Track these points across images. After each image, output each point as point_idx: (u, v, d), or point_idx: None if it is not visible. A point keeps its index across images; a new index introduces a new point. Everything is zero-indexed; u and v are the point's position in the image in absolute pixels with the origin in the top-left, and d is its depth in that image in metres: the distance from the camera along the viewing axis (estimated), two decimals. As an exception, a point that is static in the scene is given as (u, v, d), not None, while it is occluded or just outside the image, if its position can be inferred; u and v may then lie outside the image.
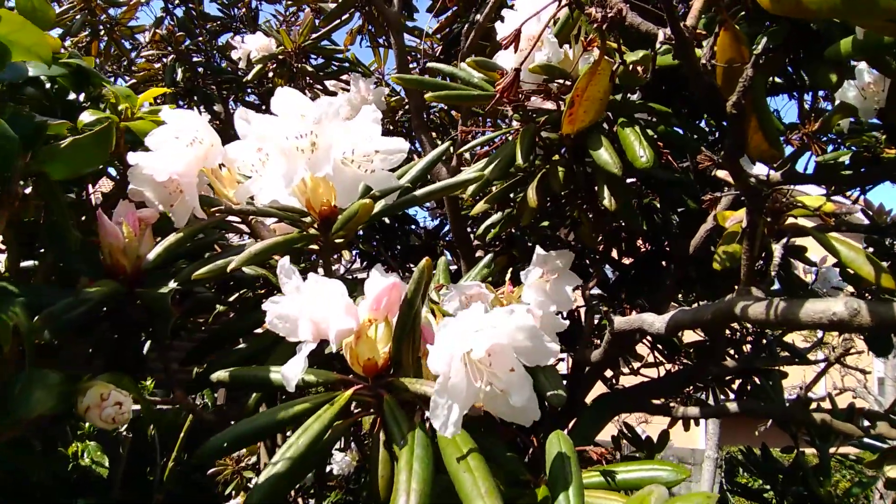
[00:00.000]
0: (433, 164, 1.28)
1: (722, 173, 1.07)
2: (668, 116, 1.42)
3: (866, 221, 2.16)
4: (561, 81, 1.39)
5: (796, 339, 3.66)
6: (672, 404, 2.12)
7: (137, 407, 1.07)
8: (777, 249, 1.03)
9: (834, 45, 1.16)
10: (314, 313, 0.92)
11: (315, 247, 1.18)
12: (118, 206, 1.20)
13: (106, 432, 2.45)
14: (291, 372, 0.90)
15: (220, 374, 1.04)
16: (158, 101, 1.56)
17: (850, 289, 2.35)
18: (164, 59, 3.51)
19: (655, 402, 2.16)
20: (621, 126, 1.32)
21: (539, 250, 1.32)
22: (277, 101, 1.02)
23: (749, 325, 2.91)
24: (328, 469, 3.01)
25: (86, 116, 1.20)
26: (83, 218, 1.29)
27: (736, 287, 1.03)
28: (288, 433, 0.92)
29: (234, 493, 2.87)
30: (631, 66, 1.21)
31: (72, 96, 1.33)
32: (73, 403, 0.96)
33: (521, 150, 1.38)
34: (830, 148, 2.04)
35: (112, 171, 1.42)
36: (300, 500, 2.83)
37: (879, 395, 8.00)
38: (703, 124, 2.02)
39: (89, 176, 1.38)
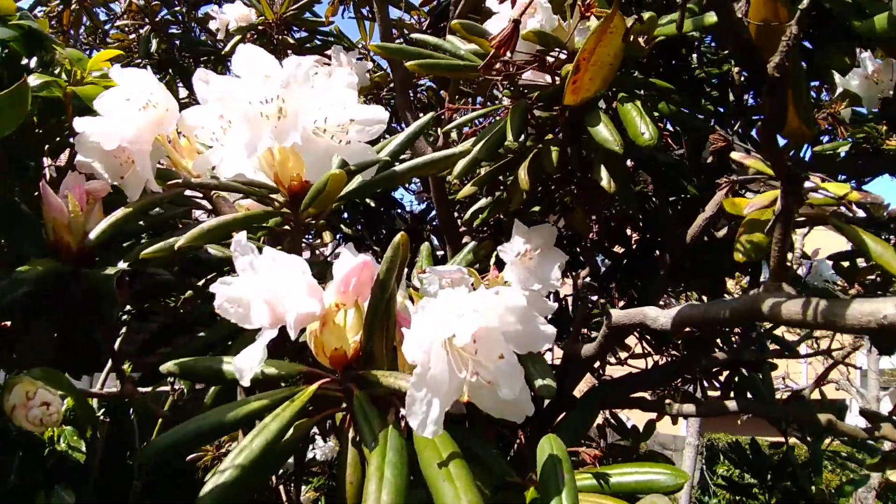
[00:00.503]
0: (415, 137, 1.16)
1: (738, 156, 0.97)
2: (670, 92, 1.31)
3: (862, 214, 2.09)
4: (556, 54, 1.28)
5: (783, 331, 3.63)
6: (668, 401, 2.05)
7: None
8: (798, 240, 0.94)
9: (867, 22, 1.06)
10: (270, 294, 0.79)
11: (287, 228, 1.07)
12: (66, 179, 1.08)
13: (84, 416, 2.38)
14: (247, 363, 0.78)
15: (169, 366, 0.92)
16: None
17: (841, 282, 2.29)
18: (140, 31, 3.36)
19: (649, 398, 2.08)
20: (621, 102, 1.21)
21: (518, 223, 1.22)
22: (239, 60, 0.91)
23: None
24: (311, 456, 2.94)
25: (32, 80, 1.09)
26: (35, 194, 1.19)
27: (732, 282, 0.93)
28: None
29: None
30: (632, 37, 1.09)
31: (24, 62, 1.24)
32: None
33: (511, 127, 1.26)
34: (826, 139, 1.98)
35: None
36: (282, 487, 2.76)
37: (862, 388, 8.02)
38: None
39: (46, 149, 1.28)
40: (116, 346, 1.36)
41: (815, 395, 2.49)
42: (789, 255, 0.93)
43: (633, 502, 0.94)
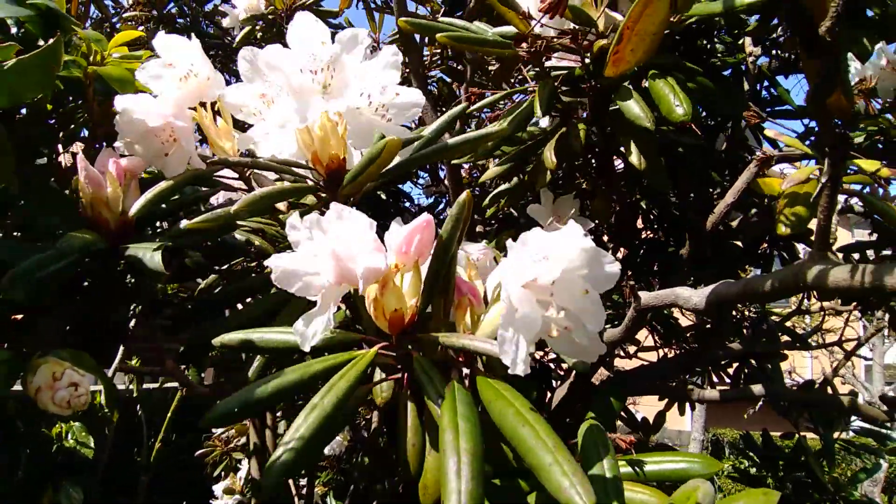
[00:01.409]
0: (452, 123, 1.15)
1: (772, 133, 0.97)
2: (697, 73, 1.31)
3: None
4: (586, 32, 1.27)
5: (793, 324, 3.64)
6: (690, 387, 2.05)
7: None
8: (833, 217, 0.93)
9: (893, 7, 1.07)
10: (339, 250, 0.78)
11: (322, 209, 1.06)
12: (100, 156, 1.06)
13: (92, 413, 2.37)
14: (312, 329, 0.78)
15: (229, 337, 0.91)
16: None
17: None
18: (148, 24, 3.36)
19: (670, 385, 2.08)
20: (652, 78, 1.20)
21: (544, 191, 1.22)
22: (296, 27, 0.92)
23: (747, 310, 2.87)
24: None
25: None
26: (52, 180, 1.18)
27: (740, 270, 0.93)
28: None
29: (223, 473, 2.81)
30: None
31: (40, 43, 1.21)
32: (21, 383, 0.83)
33: (540, 102, 1.25)
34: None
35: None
36: (290, 480, 2.77)
37: (867, 382, 8.04)
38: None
39: (61, 137, 1.27)
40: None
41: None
42: (833, 228, 0.93)
43: (666, 490, 0.94)
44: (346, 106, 0.90)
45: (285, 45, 0.95)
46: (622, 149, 1.29)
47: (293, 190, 0.97)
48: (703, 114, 1.83)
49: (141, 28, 3.38)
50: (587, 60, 1.27)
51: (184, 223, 1.02)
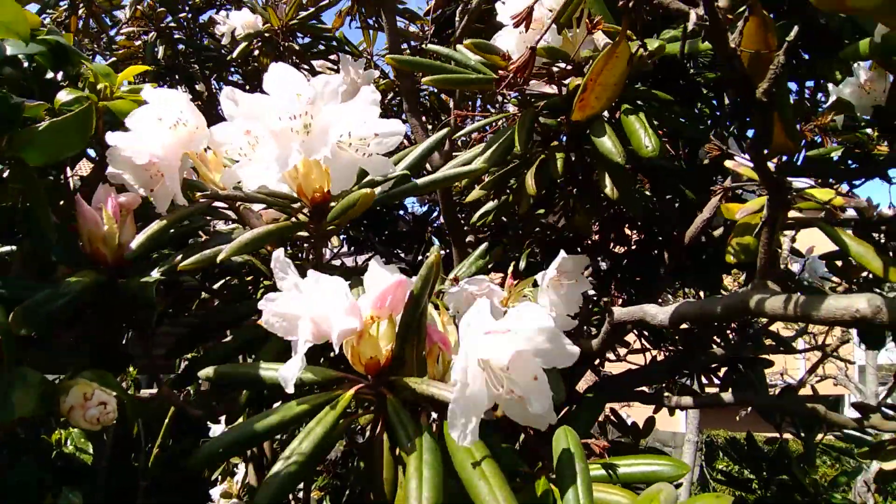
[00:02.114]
0: (431, 151, 1.22)
1: (731, 164, 1.04)
2: (671, 105, 1.38)
3: (855, 216, 2.15)
4: (562, 66, 1.34)
5: (777, 328, 3.69)
6: (666, 394, 2.11)
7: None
8: (785, 243, 1.00)
9: (851, 46, 1.14)
10: (315, 312, 0.86)
11: (304, 233, 1.13)
12: (98, 191, 1.13)
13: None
14: (289, 372, 0.85)
15: (207, 371, 0.98)
16: (139, 79, 1.49)
17: (836, 279, 2.34)
18: (145, 37, 3.40)
19: (647, 391, 2.14)
20: (625, 113, 1.28)
21: (563, 254, 1.29)
22: (271, 78, 0.96)
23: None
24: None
25: (63, 95, 1.14)
26: (62, 202, 1.24)
27: (730, 278, 0.99)
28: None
29: (220, 478, 2.85)
30: (644, 53, 1.16)
31: (50, 75, 1.26)
32: (54, 404, 0.91)
33: (519, 137, 1.33)
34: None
35: (91, 152, 1.36)
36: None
37: (860, 384, 8.09)
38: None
39: (68, 159, 1.32)
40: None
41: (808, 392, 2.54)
42: (781, 254, 1.00)
43: (638, 492, 1.00)
44: (324, 152, 0.96)
45: (282, 60, 1.00)
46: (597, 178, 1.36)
47: (280, 230, 1.03)
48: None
49: (138, 42, 3.43)
50: (564, 92, 1.34)
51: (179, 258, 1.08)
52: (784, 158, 1.66)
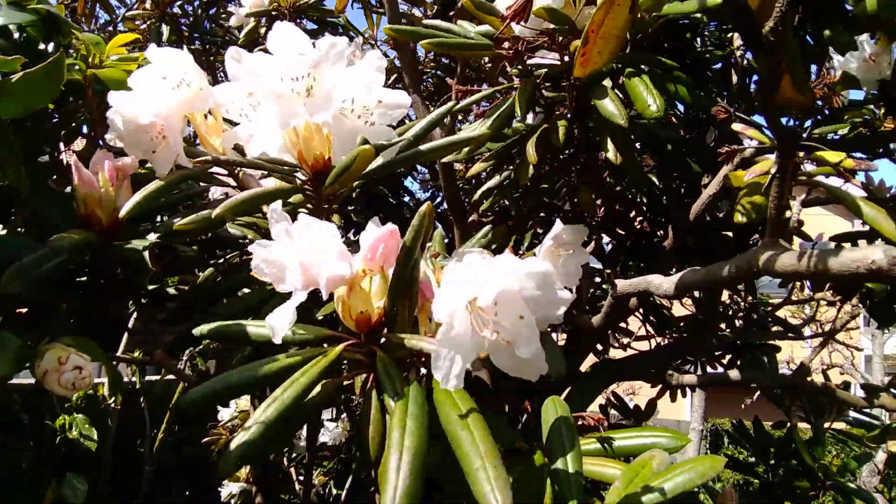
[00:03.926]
0: (436, 124, 1.19)
1: (739, 127, 1.01)
2: (673, 69, 1.35)
3: (865, 195, 2.13)
4: (564, 31, 1.31)
5: (786, 315, 3.67)
6: (669, 372, 2.09)
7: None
8: (795, 206, 0.98)
9: (860, 5, 1.11)
10: (304, 257, 0.83)
11: (308, 206, 1.11)
12: (95, 155, 1.12)
13: (94, 405, 2.41)
14: (279, 322, 0.83)
15: (204, 328, 0.96)
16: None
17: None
18: (152, 20, 3.39)
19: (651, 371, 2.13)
20: (628, 77, 1.25)
21: (558, 223, 1.27)
22: (274, 37, 0.95)
23: (740, 300, 2.90)
24: (320, 441, 2.99)
25: (51, 63, 1.12)
26: (54, 177, 1.23)
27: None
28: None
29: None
30: (638, 13, 1.13)
31: (41, 47, 1.25)
32: (30, 367, 0.90)
33: (520, 103, 1.30)
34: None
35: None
36: (293, 469, 2.81)
37: (866, 373, 8.05)
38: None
39: (63, 135, 1.31)
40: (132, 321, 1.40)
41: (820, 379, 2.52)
42: (791, 217, 0.98)
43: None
44: (327, 115, 0.94)
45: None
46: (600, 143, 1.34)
47: (277, 192, 1.01)
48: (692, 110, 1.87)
49: (144, 26, 3.42)
50: (566, 59, 1.32)
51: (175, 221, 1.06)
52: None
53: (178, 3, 3.41)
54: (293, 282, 0.84)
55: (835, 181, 1.04)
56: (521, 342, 0.79)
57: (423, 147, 1.13)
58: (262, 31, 2.87)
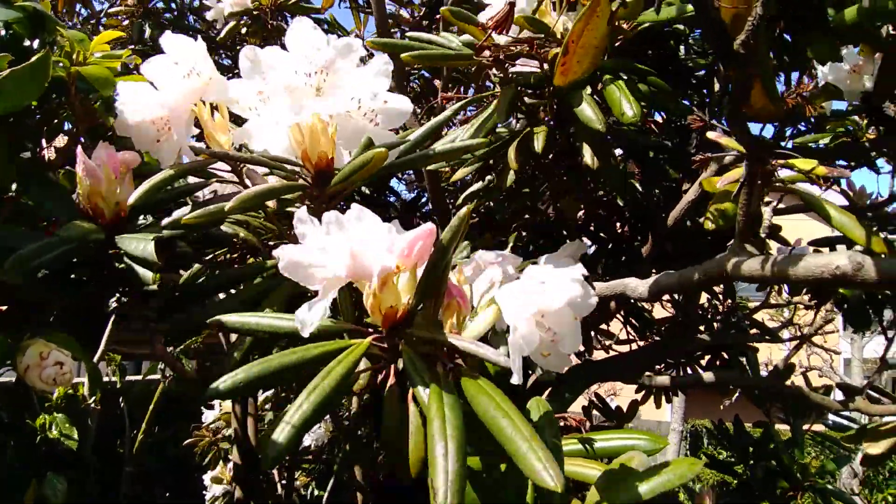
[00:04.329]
0: (439, 128, 1.23)
1: (713, 135, 1.06)
2: (648, 74, 1.39)
3: (846, 203, 2.18)
4: (543, 39, 1.35)
5: (763, 318, 3.72)
6: (647, 374, 2.14)
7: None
8: (767, 212, 1.02)
9: (838, 14, 1.15)
10: (357, 246, 0.86)
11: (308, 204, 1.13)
12: (97, 148, 1.12)
13: (74, 404, 2.41)
14: (311, 317, 0.86)
15: (227, 318, 0.98)
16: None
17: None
18: (135, 16, 3.40)
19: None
20: (605, 84, 1.29)
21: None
22: (293, 33, 0.99)
23: (718, 303, 2.96)
24: (302, 444, 3.01)
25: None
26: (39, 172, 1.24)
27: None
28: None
29: (211, 464, 2.86)
30: (617, 22, 1.18)
31: (27, 43, 1.25)
32: (11, 363, 0.93)
33: (499, 112, 1.35)
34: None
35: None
36: (275, 471, 2.83)
37: (845, 376, 8.15)
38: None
39: (45, 131, 1.33)
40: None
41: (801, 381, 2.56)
42: (763, 222, 1.02)
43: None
44: (337, 109, 0.97)
45: (272, 44, 1.03)
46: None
47: (284, 188, 1.04)
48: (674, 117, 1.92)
49: (126, 22, 3.43)
50: (545, 66, 1.36)
51: (177, 213, 1.09)
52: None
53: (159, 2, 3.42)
54: (334, 271, 0.87)
55: (815, 188, 1.09)
56: (567, 340, 0.91)
57: (431, 150, 1.17)
58: (243, 30, 2.89)
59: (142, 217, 1.23)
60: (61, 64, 1.20)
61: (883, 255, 0.91)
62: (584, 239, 2.25)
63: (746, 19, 0.74)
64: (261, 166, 1.09)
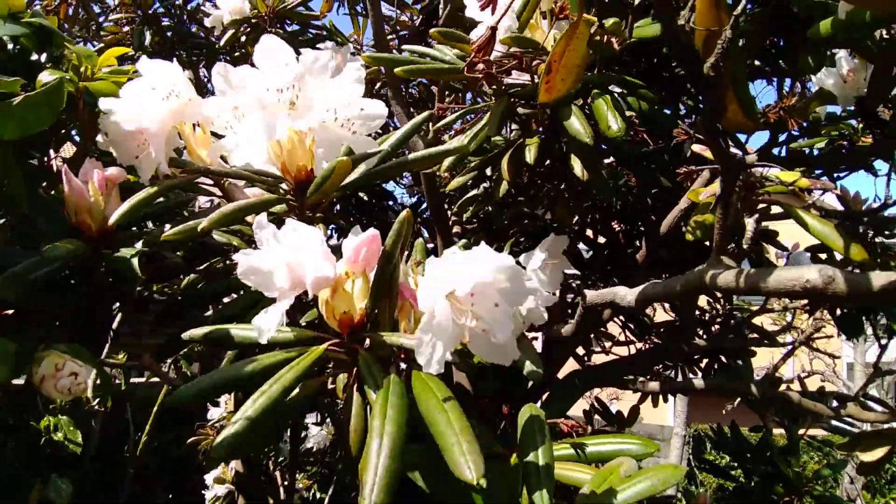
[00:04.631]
0: (413, 133, 1.25)
1: (698, 148, 1.07)
2: (638, 88, 1.41)
3: (841, 208, 2.18)
4: (532, 54, 1.37)
5: (765, 323, 3.71)
6: (641, 379, 2.15)
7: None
8: (750, 224, 1.04)
9: (815, 27, 1.16)
10: (291, 258, 0.89)
11: (292, 216, 1.15)
12: (84, 164, 1.16)
13: (79, 406, 2.44)
14: (267, 323, 0.88)
15: (195, 332, 1.01)
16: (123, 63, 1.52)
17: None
18: (135, 22, 3.41)
19: (627, 378, 2.18)
20: (593, 98, 1.31)
21: (552, 236, 1.35)
22: (260, 50, 1.00)
23: (718, 307, 2.97)
24: (304, 446, 3.03)
25: (45, 76, 1.17)
26: (44, 184, 1.27)
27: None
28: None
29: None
30: (605, 38, 1.20)
31: (34, 57, 1.29)
32: (27, 373, 0.95)
33: (492, 124, 1.37)
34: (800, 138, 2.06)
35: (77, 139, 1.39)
36: (277, 473, 2.85)
37: (849, 380, 8.13)
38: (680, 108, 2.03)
39: (52, 141, 1.35)
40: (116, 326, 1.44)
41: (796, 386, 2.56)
42: (746, 234, 1.04)
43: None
44: (310, 123, 0.99)
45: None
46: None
47: (263, 203, 1.06)
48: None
49: (126, 29, 3.45)
50: (537, 78, 1.37)
51: (166, 228, 1.11)
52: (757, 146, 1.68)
53: (159, 5, 3.43)
54: (280, 283, 0.90)
55: (816, 193, 1.10)
56: (497, 329, 0.89)
57: (403, 159, 1.19)
58: (243, 38, 2.91)
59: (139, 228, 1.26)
60: (69, 78, 1.23)
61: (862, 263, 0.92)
62: (581, 244, 2.28)
63: (718, 37, 0.75)
64: (242, 179, 1.11)
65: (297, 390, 0.89)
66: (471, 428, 0.79)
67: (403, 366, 0.98)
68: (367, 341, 0.96)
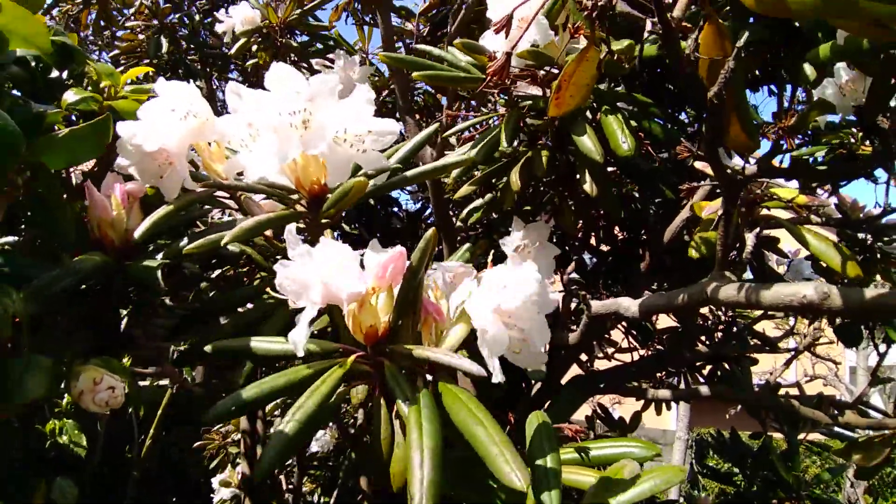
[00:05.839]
0: (421, 146, 1.29)
1: (700, 164, 1.11)
2: (649, 107, 1.45)
3: (839, 216, 2.21)
4: (547, 68, 1.41)
5: (767, 328, 3.73)
6: (645, 386, 2.18)
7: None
8: (750, 238, 1.07)
9: (814, 50, 1.20)
10: (326, 276, 0.94)
11: (301, 225, 1.19)
12: (106, 179, 1.20)
13: (83, 409, 2.46)
14: (299, 337, 0.92)
15: (226, 344, 1.06)
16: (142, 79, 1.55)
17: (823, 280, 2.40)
18: (149, 30, 3.45)
19: (629, 385, 2.21)
20: (604, 114, 1.35)
21: (516, 219, 1.38)
22: (272, 77, 1.03)
23: (721, 314, 2.99)
24: (309, 451, 3.05)
25: (70, 96, 1.20)
26: (64, 196, 1.30)
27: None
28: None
29: (220, 468, 2.90)
30: (616, 56, 1.23)
31: (55, 73, 1.32)
32: (65, 388, 1.00)
33: (505, 133, 1.40)
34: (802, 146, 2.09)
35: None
36: (282, 477, 2.87)
37: (851, 385, 8.14)
38: (683, 116, 2.06)
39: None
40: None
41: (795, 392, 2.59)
42: (746, 248, 1.08)
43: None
44: (321, 148, 1.02)
45: (282, 60, 1.07)
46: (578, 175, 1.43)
47: (280, 218, 1.10)
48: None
49: (142, 36, 3.49)
50: (547, 93, 1.41)
51: (184, 242, 1.14)
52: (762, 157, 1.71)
53: (175, 15, 3.47)
54: (314, 297, 0.95)
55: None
56: (536, 337, 0.96)
57: (408, 173, 1.23)
58: (254, 47, 2.95)
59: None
60: (92, 97, 1.26)
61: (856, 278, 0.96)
62: (585, 254, 2.31)
63: (722, 65, 0.78)
64: (257, 193, 1.15)
65: (333, 396, 0.93)
66: (508, 438, 0.83)
67: (430, 378, 1.02)
68: (391, 353, 1.01)
